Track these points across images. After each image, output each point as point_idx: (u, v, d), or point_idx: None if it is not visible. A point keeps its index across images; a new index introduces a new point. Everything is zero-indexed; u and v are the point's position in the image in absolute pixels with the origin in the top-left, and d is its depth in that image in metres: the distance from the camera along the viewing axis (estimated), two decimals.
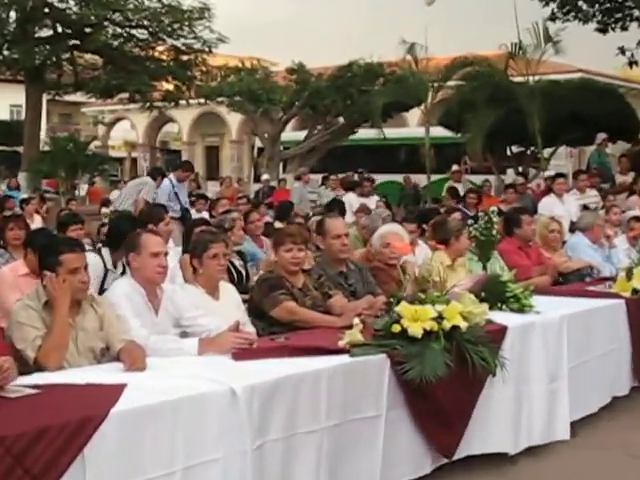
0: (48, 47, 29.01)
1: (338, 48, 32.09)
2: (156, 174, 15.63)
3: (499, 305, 7.01)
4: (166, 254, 6.04)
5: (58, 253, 5.32)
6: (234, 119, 43.67)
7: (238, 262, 8.52)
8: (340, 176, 22.76)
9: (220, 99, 30.61)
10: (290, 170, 28.38)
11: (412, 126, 34.23)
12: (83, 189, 32.07)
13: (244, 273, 8.46)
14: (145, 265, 5.85)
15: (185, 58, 29.72)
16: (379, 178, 24.82)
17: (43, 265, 5.40)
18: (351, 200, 17.11)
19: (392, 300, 5.84)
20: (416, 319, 5.55)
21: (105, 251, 7.52)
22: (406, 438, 5.70)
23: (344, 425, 5.22)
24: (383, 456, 5.45)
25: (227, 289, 6.64)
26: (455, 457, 5.99)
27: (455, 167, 20.85)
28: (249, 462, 4.59)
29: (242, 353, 5.35)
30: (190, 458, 4.41)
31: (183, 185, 15.46)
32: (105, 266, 7.39)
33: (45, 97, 32.36)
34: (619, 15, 25.43)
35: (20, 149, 33.51)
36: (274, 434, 4.78)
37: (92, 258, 7.14)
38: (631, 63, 26.27)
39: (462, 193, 18.96)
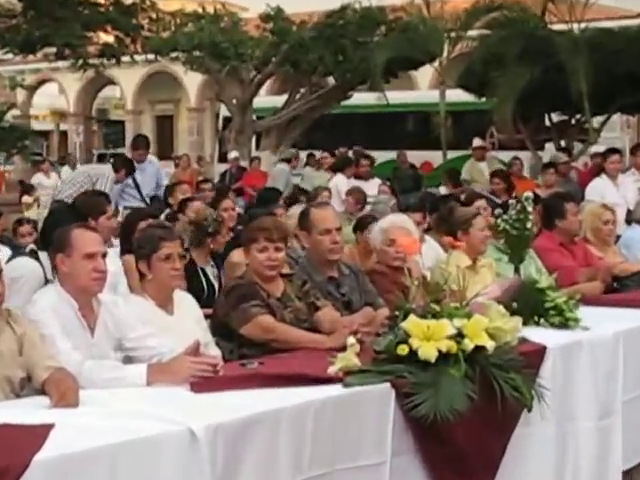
0: None
1: None
2: (121, 167, 15.27)
3: (536, 319, 7.04)
4: (104, 255, 5.97)
5: None
6: (192, 81, 43.74)
7: (211, 270, 8.52)
8: (323, 154, 22.77)
9: (174, 54, 30.53)
10: (265, 146, 28.36)
11: (423, 89, 34.36)
12: None
13: (217, 285, 8.47)
14: (77, 270, 5.78)
15: (129, 1, 29.69)
16: (380, 156, 24.79)
17: None
18: (339, 184, 17.10)
19: (397, 313, 5.83)
20: (429, 338, 5.53)
21: (43, 255, 7.40)
22: None
23: (334, 476, 5.21)
24: None
25: (184, 300, 6.64)
26: None
27: (478, 141, 20.81)
28: None
29: (203, 383, 5.33)
30: None
31: (145, 166, 15.44)
32: (45, 276, 7.28)
33: None
34: None
35: None
36: None
37: (26, 264, 7.12)
38: None
39: (487, 174, 18.98)
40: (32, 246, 8.27)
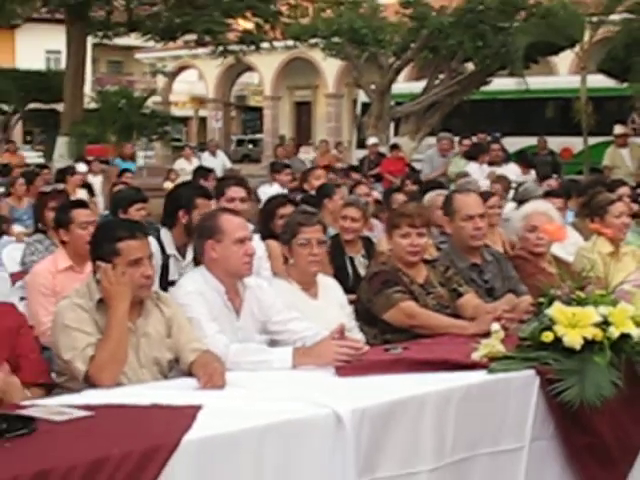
0: None
1: None
2: None
3: None
4: (250, 239, 6.09)
5: (116, 240, 5.39)
6: (331, 67, 43.78)
7: (362, 260, 8.55)
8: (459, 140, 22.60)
9: (313, 41, 30.58)
10: (404, 132, 28.27)
11: (563, 74, 33.93)
12: (140, 157, 32.45)
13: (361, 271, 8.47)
14: (228, 255, 5.85)
15: None
16: (519, 142, 24.60)
17: (97, 254, 5.46)
18: (472, 171, 16.99)
19: (542, 300, 5.80)
20: (574, 325, 5.49)
21: (164, 232, 7.52)
22: (552, 477, 5.65)
23: (474, 460, 5.20)
24: None
25: (328, 285, 6.68)
26: None
27: (620, 128, 20.51)
28: None
29: (348, 367, 5.37)
30: None
31: None
32: (164, 251, 7.38)
33: (91, 40, 32.72)
34: None
35: (59, 107, 34.01)
36: (384, 471, 4.80)
37: (152, 242, 7.20)
38: None
39: (630, 162, 18.74)
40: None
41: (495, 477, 5.31)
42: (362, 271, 8.43)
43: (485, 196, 9.14)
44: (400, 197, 10.62)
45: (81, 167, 19.35)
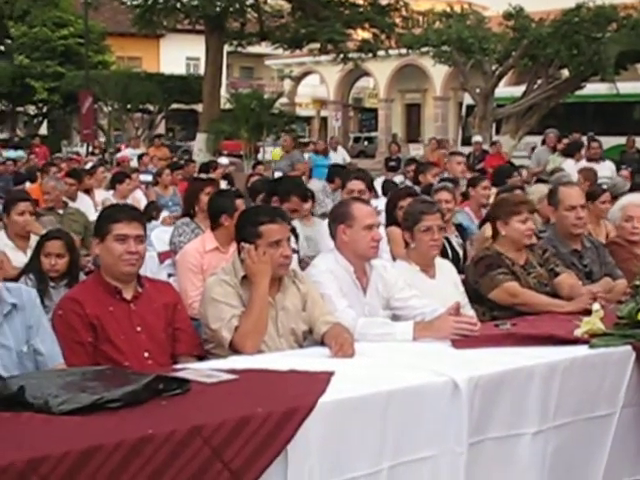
0: None
1: None
2: None
3: None
4: (378, 226, 6.10)
5: (258, 223, 5.43)
6: (438, 72, 43.51)
7: (456, 239, 8.50)
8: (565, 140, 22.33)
9: (424, 49, 30.46)
10: (505, 131, 28.09)
11: None
12: (267, 152, 32.61)
13: (461, 252, 8.45)
14: (357, 238, 5.86)
15: (384, 2, 29.81)
16: (610, 141, 24.26)
17: (241, 236, 5.51)
18: (568, 167, 16.77)
19: (637, 283, 5.73)
20: None
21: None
22: (636, 438, 5.55)
23: (572, 425, 5.15)
24: (609, 457, 5.34)
25: (444, 266, 6.66)
26: None
27: None
28: (462, 462, 4.61)
29: (463, 340, 5.37)
30: (399, 455, 4.46)
31: None
32: None
33: (226, 49, 32.95)
34: None
35: (198, 107, 34.33)
36: (493, 432, 4.78)
37: None
38: None
39: None
40: None
41: (588, 440, 5.26)
42: (458, 249, 8.48)
43: (598, 192, 9.20)
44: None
45: (223, 160, 19.57)
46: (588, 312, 5.56)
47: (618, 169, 18.38)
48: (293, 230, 7.69)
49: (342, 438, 4.27)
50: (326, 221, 6.59)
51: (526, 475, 4.92)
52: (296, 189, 8.62)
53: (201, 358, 5.29)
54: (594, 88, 27.58)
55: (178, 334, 5.40)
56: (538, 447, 4.96)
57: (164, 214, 11.86)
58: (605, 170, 16.72)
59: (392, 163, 21.91)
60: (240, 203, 7.39)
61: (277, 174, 16.29)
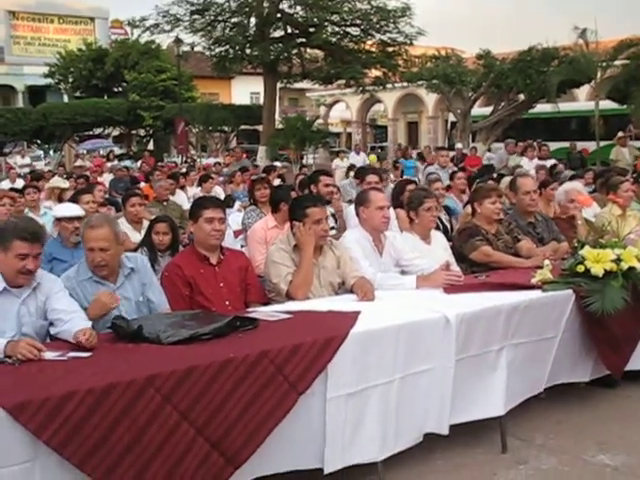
0: (281, 45, 29.67)
1: (516, 35, 31.29)
2: None
3: None
4: (388, 207, 6.08)
5: (305, 207, 5.44)
6: (431, 99, 43.32)
7: (445, 216, 8.45)
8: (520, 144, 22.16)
9: (420, 82, 30.39)
10: (479, 139, 27.94)
11: (582, 100, 32.94)
12: (309, 158, 32.57)
13: (449, 226, 8.39)
14: (373, 217, 5.87)
15: (390, 49, 29.78)
16: (553, 145, 24.06)
17: (293, 216, 5.52)
18: (526, 164, 16.75)
19: (577, 245, 5.69)
20: (598, 261, 5.39)
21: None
22: (572, 353, 5.55)
23: (527, 344, 5.14)
24: (552, 365, 5.35)
25: (437, 235, 6.61)
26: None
27: (621, 134, 19.95)
28: (451, 372, 4.63)
29: (452, 288, 5.36)
30: (406, 369, 4.48)
31: None
32: None
33: (278, 85, 32.97)
34: None
35: (258, 127, 34.37)
36: (472, 351, 4.78)
37: None
38: None
39: (628, 156, 18.24)
40: None
41: (539, 353, 5.27)
42: (447, 224, 8.39)
43: (549, 181, 9.21)
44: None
45: (277, 164, 19.59)
46: (541, 267, 5.52)
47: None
48: (333, 215, 7.70)
49: (367, 358, 4.29)
50: (352, 206, 6.60)
51: (494, 376, 4.92)
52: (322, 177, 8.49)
53: (266, 304, 5.30)
54: (542, 107, 27.29)
55: (249, 288, 5.41)
56: (500, 358, 4.95)
57: (238, 204, 11.85)
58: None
59: (397, 163, 21.84)
60: (292, 194, 7.39)
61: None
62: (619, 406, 5.76)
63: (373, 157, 27.03)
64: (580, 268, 5.40)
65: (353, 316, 4.49)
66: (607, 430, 5.30)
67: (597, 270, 5.35)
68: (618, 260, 5.42)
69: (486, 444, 4.99)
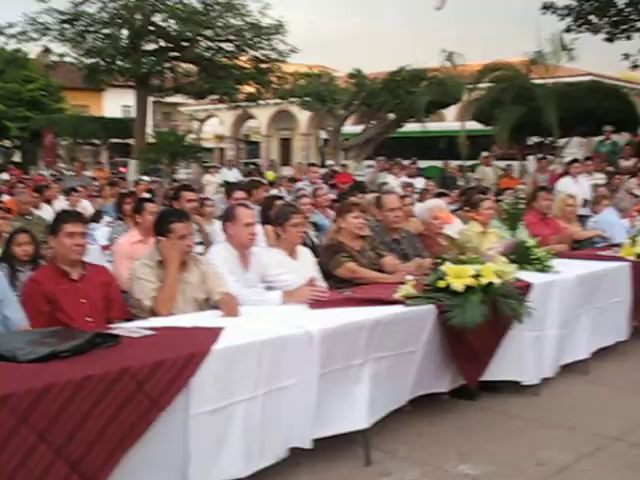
0: (153, 58, 29.34)
1: (389, 56, 31.97)
2: None
3: (525, 266, 6.92)
4: (255, 224, 6.07)
5: (169, 222, 5.39)
6: (304, 116, 43.59)
7: (312, 232, 8.51)
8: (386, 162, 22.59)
9: (292, 99, 30.60)
10: (350, 157, 28.30)
11: (449, 121, 33.86)
12: (181, 173, 32.28)
13: (317, 242, 8.45)
14: (240, 233, 5.87)
15: (264, 66, 29.80)
16: (423, 163, 24.63)
17: (158, 232, 5.46)
18: (392, 182, 17.17)
19: (438, 261, 5.83)
20: (458, 276, 5.53)
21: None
22: (433, 366, 5.68)
23: (389, 357, 5.22)
24: (414, 378, 5.48)
25: (303, 252, 6.64)
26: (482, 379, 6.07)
27: (485, 154, 20.65)
28: (315, 386, 4.65)
29: (317, 303, 5.40)
30: (270, 384, 4.47)
31: None
32: None
33: (151, 99, 32.59)
34: (624, 27, 25.15)
35: (130, 141, 33.87)
36: (336, 365, 4.81)
37: None
38: (634, 67, 26.51)
39: (491, 176, 18.87)
40: None
41: (401, 367, 5.36)
42: (314, 240, 8.45)
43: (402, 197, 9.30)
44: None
45: (145, 178, 19.41)
46: (404, 282, 5.60)
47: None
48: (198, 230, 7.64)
49: (230, 374, 4.25)
50: (219, 222, 6.59)
51: (357, 390, 4.97)
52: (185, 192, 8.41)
53: (128, 320, 5.21)
54: (411, 127, 27.89)
55: (112, 303, 5.32)
56: (363, 372, 5.01)
57: (107, 218, 11.62)
58: (419, 183, 17.08)
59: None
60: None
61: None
62: (480, 417, 5.92)
63: (270, 174, 27.04)
64: (441, 283, 5.54)
65: (216, 332, 4.45)
66: (468, 441, 5.44)
67: (457, 285, 5.49)
68: (478, 276, 5.58)
69: (350, 457, 5.03)
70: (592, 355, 7.23)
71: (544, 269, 6.99)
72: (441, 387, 5.88)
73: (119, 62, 29.46)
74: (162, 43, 29.71)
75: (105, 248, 8.55)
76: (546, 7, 25.34)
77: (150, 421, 3.87)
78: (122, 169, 30.88)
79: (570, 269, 7.16)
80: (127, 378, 3.80)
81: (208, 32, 28.95)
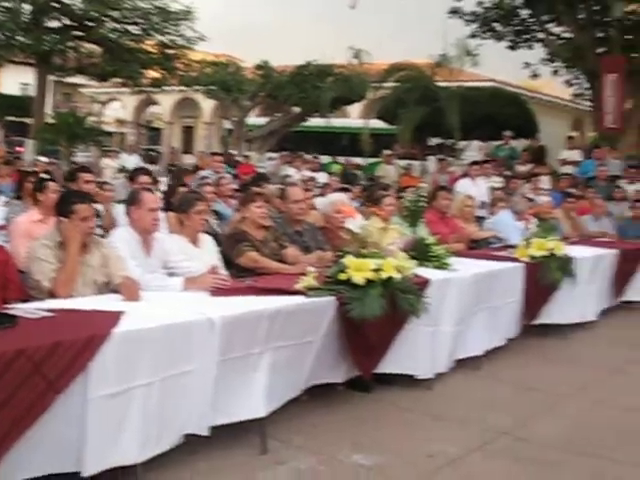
0: (56, 36, 28.64)
1: (300, 49, 31.91)
2: None
3: (424, 263, 7.06)
4: (158, 210, 6.03)
5: (72, 203, 5.31)
6: (208, 104, 43.19)
7: (214, 221, 8.48)
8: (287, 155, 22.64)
9: (197, 87, 30.29)
10: (253, 148, 28.24)
11: (353, 117, 34.16)
12: (80, 156, 31.65)
13: (219, 230, 8.43)
14: (143, 217, 5.81)
15: (170, 52, 29.42)
16: (325, 159, 24.76)
17: (59, 212, 5.36)
18: (294, 175, 17.30)
19: (340, 254, 5.90)
20: (359, 270, 5.62)
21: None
22: (330, 356, 5.75)
23: (288, 347, 5.26)
24: (311, 368, 5.54)
25: (205, 239, 6.62)
26: (376, 371, 6.20)
27: (387, 152, 20.90)
28: (213, 372, 4.67)
29: (219, 291, 5.41)
30: (169, 370, 4.45)
31: None
32: None
33: (51, 78, 31.82)
34: (527, 36, 25.84)
35: (28, 120, 33.01)
36: (235, 353, 4.83)
37: None
38: (534, 75, 27.31)
39: (393, 173, 19.14)
40: None
41: (298, 358, 5.41)
42: (216, 229, 8.34)
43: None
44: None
45: (42, 159, 19.11)
46: (305, 274, 5.67)
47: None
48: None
49: (129, 358, 4.22)
50: (122, 205, 6.51)
51: (255, 378, 5.01)
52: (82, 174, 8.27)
53: (26, 301, 5.10)
54: (315, 121, 27.99)
55: (8, 284, 5.19)
56: (262, 360, 5.05)
57: (3, 198, 11.31)
58: (321, 177, 17.21)
59: (171, 168, 21.68)
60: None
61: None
62: (373, 409, 6.03)
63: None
64: (342, 276, 5.61)
65: (116, 316, 4.41)
66: (362, 431, 5.53)
67: (358, 279, 5.57)
68: (378, 270, 5.68)
69: (246, 445, 5.06)
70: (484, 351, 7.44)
71: (442, 266, 7.14)
72: (336, 378, 5.96)
73: (19, 37, 28.64)
74: (66, 21, 28.99)
75: (1, 228, 8.34)
76: (453, 12, 25.79)
77: (47, 404, 3.82)
78: (19, 148, 29.95)
79: (467, 268, 7.34)
80: (24, 359, 3.74)
81: (114, 13, 28.41)
